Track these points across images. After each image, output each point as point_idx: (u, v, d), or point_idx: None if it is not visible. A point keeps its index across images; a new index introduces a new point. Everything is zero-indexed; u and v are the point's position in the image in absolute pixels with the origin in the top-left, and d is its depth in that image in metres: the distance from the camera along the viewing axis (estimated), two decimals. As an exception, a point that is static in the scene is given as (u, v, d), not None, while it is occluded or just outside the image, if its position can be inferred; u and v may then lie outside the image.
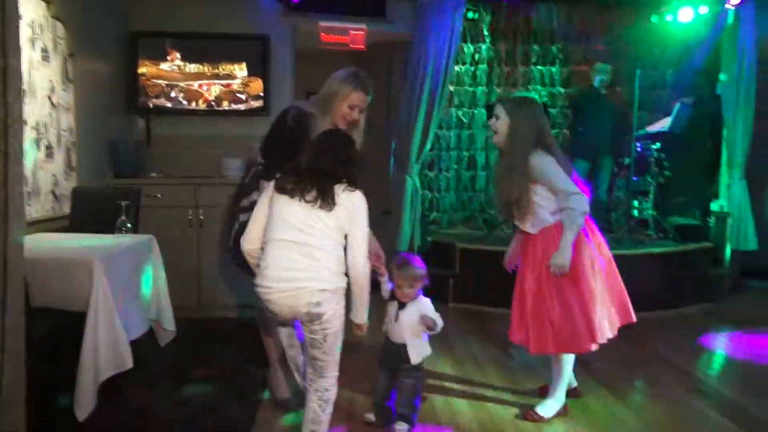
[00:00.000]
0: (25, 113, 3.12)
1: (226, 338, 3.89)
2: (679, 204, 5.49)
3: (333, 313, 2.05)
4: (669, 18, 5.23)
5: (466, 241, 4.99)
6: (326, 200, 2.05)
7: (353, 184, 2.11)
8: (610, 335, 2.66)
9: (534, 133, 2.60)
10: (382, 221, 5.19)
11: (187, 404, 2.88)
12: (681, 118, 4.96)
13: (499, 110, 2.68)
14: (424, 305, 2.54)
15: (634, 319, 2.78)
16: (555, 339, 2.60)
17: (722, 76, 5.09)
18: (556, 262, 2.54)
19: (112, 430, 2.61)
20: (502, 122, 2.66)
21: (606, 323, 2.64)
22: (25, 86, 3.13)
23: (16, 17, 1.75)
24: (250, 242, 2.21)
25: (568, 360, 2.72)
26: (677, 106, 4.99)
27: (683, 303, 4.73)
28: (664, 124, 5.06)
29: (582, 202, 2.54)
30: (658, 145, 5.05)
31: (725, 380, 3.36)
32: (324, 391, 2.14)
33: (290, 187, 2.09)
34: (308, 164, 2.14)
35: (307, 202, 2.06)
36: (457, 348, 3.79)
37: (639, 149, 5.20)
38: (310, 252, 2.03)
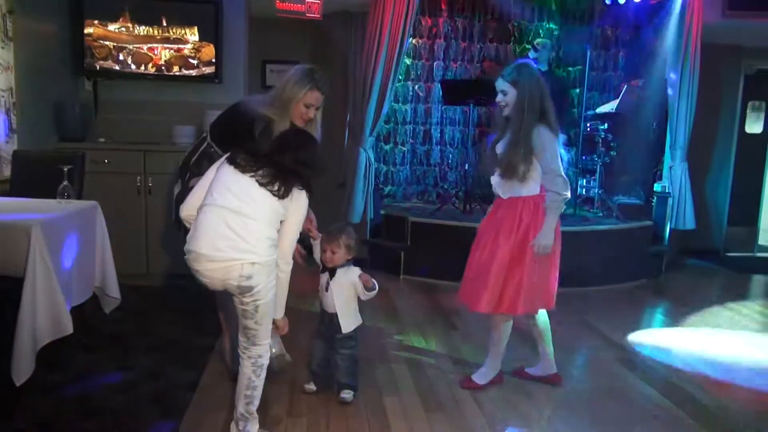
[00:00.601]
0: (-41, 71, 3.01)
1: (172, 306, 3.88)
2: (624, 183, 5.68)
3: (264, 285, 2.07)
4: (621, 1, 5.33)
5: (418, 215, 5.07)
6: (284, 194, 2.09)
7: (308, 187, 2.17)
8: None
9: (539, 102, 2.62)
10: (335, 193, 5.22)
11: (129, 370, 2.89)
12: (628, 100, 5.10)
13: (504, 85, 2.68)
14: (354, 272, 2.61)
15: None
16: (526, 299, 2.68)
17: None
18: (540, 242, 2.62)
19: (50, 394, 2.60)
20: (510, 96, 2.66)
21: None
22: (-42, 43, 3.01)
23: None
24: (189, 208, 2.20)
25: (508, 330, 2.83)
26: (624, 87, 5.13)
27: (623, 279, 4.94)
28: (612, 105, 5.20)
29: (567, 187, 2.63)
30: (605, 125, 5.20)
31: (659, 355, 3.52)
32: (257, 357, 2.18)
33: (243, 163, 2.10)
34: (270, 153, 2.14)
35: (260, 183, 2.07)
36: (403, 318, 3.88)
37: (588, 129, 5.35)
38: (245, 222, 2.04)
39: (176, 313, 3.74)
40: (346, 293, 2.60)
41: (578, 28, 5.82)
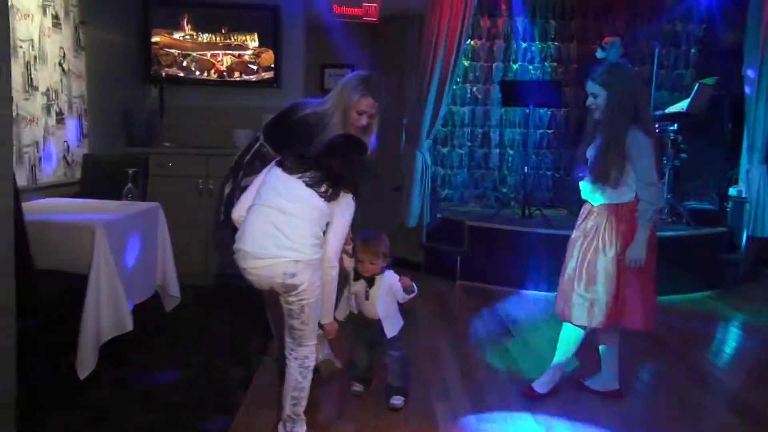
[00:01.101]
0: (35, 79, 3.19)
1: (231, 305, 3.96)
2: (695, 188, 5.37)
3: (309, 284, 2.06)
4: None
5: (475, 219, 4.98)
6: (331, 197, 2.12)
7: (355, 191, 2.19)
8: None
9: (631, 104, 2.48)
10: (392, 197, 5.21)
11: (186, 367, 2.96)
12: (700, 98, 4.82)
13: (593, 87, 2.55)
14: (393, 277, 2.57)
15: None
16: (636, 314, 2.59)
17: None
18: (632, 256, 2.50)
19: (111, 388, 2.69)
20: (601, 99, 2.53)
21: None
22: (35, 53, 3.19)
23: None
24: (240, 210, 2.24)
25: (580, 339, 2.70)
26: (696, 86, 4.85)
27: (694, 288, 4.66)
28: (682, 105, 4.93)
29: (660, 197, 2.52)
30: (675, 126, 4.94)
31: (733, 372, 3.30)
32: (304, 358, 2.18)
33: (291, 165, 2.13)
34: (318, 157, 2.17)
35: (307, 185, 2.09)
36: (458, 324, 3.81)
37: (657, 130, 5.09)
38: (289, 220, 2.06)
39: (233, 313, 3.81)
40: (386, 299, 2.57)
41: (646, 25, 5.57)
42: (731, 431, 2.57)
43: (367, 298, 2.58)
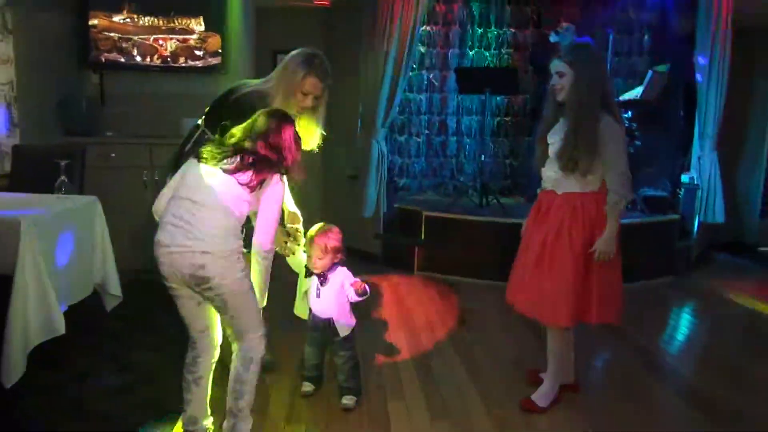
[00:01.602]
0: (-46, 64, 2.95)
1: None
2: (649, 175, 5.42)
3: (221, 278, 1.95)
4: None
5: (432, 208, 4.90)
6: (256, 185, 2.00)
7: (283, 174, 2.07)
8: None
9: (600, 87, 2.36)
10: (348, 186, 5.09)
11: (126, 371, 2.80)
12: (653, 85, 4.85)
13: (560, 66, 2.39)
14: (345, 275, 2.46)
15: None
16: (600, 307, 2.44)
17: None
18: (603, 249, 2.37)
19: (43, 396, 2.52)
20: (567, 78, 2.37)
21: None
22: (-47, 35, 2.94)
23: None
24: (159, 204, 2.13)
25: (570, 338, 2.61)
26: (649, 73, 4.87)
27: (648, 275, 4.70)
28: (636, 92, 4.95)
29: (630, 188, 2.38)
30: (629, 113, 4.95)
31: (685, 359, 3.33)
32: (246, 351, 2.08)
33: (207, 156, 2.02)
34: (238, 141, 2.04)
35: (225, 171, 1.98)
36: (414, 317, 3.73)
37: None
38: (198, 211, 1.95)
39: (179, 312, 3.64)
40: (338, 297, 2.46)
41: (601, 11, 5.56)
42: (683, 419, 2.57)
43: (318, 296, 2.47)
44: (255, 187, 1.98)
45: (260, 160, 2.00)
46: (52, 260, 2.61)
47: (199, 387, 2.20)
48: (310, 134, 2.52)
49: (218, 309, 2.06)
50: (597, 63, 2.42)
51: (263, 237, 2.05)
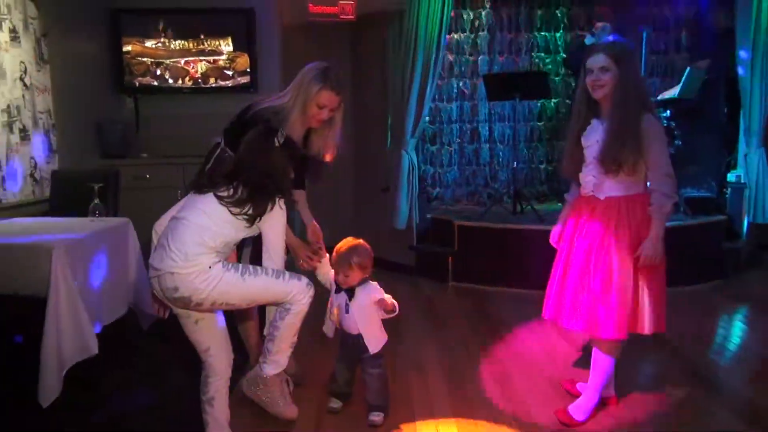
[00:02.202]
0: (-7, 96, 3.08)
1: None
2: (692, 175, 5.21)
3: (199, 291, 1.94)
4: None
5: (465, 218, 4.83)
6: (258, 214, 2.02)
7: (283, 196, 2.07)
8: None
9: (642, 85, 2.31)
10: (379, 198, 5.07)
11: (159, 388, 2.84)
12: (691, 83, 4.66)
13: (605, 61, 2.24)
14: (374, 290, 2.42)
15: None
16: (652, 317, 2.32)
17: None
18: (648, 253, 2.23)
19: (78, 415, 2.57)
20: (610, 75, 2.24)
21: None
22: (-8, 68, 3.08)
23: None
24: (159, 223, 2.16)
25: (618, 351, 2.44)
26: (687, 70, 4.69)
27: (694, 280, 4.50)
28: (674, 91, 4.77)
29: (675, 188, 2.27)
30: (667, 113, 4.77)
31: (736, 370, 3.14)
32: (285, 306, 2.15)
33: (201, 184, 2.07)
34: (229, 175, 2.05)
35: (223, 203, 1.99)
36: (447, 329, 3.66)
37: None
38: (175, 227, 1.97)
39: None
40: (368, 312, 2.42)
41: (634, 10, 5.41)
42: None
43: (347, 311, 2.44)
44: (254, 220, 1.98)
45: (257, 190, 1.99)
46: (85, 282, 2.68)
47: (213, 408, 2.20)
48: (328, 146, 2.52)
49: (232, 310, 2.10)
50: (637, 61, 2.37)
51: (276, 258, 2.10)
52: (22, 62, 3.34)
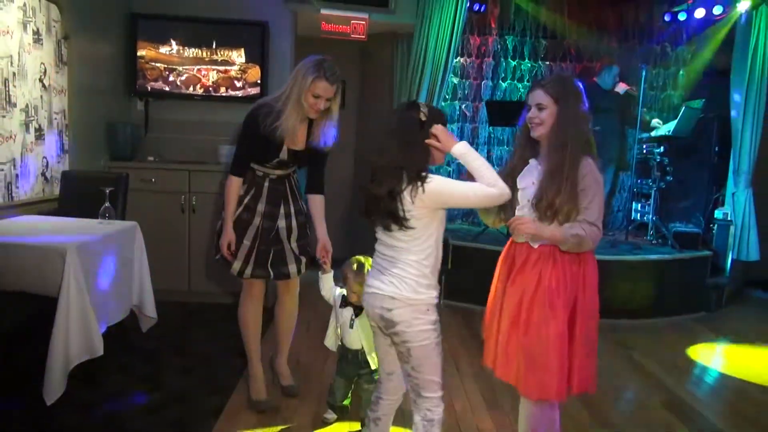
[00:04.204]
0: (14, 96, 3.16)
1: (211, 324, 3.93)
2: (681, 210, 5.37)
3: (407, 326, 1.92)
4: (682, 17, 5.08)
5: (459, 238, 4.95)
6: (407, 220, 1.93)
7: (420, 177, 1.91)
8: None
9: (585, 126, 2.09)
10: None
11: (158, 390, 2.92)
12: (686, 121, 4.83)
13: (542, 97, 2.07)
14: None
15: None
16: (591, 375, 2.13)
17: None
18: (527, 229, 2.01)
19: (80, 413, 2.65)
20: (548, 113, 2.06)
21: None
22: (14, 69, 3.16)
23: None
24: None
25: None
26: (683, 109, 4.85)
27: (678, 311, 4.65)
28: (668, 128, 4.94)
29: (597, 239, 2.03)
30: (661, 148, 4.94)
31: (711, 401, 3.28)
32: (426, 411, 2.00)
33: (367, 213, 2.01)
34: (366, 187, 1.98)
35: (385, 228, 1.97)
36: (438, 347, 3.77)
37: (645, 151, 5.10)
38: (393, 255, 1.96)
39: (212, 332, 3.78)
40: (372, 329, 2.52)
41: (637, 46, 5.58)
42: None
43: (352, 326, 2.54)
44: (407, 224, 1.92)
45: (388, 196, 1.92)
46: (94, 284, 2.76)
47: (377, 427, 2.18)
48: (327, 134, 2.64)
49: (401, 357, 2.01)
50: (582, 100, 2.12)
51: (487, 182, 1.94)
52: (42, 63, 3.43)
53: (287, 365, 3.00)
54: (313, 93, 2.49)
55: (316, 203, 2.79)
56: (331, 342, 2.70)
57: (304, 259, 2.79)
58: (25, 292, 2.59)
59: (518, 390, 2.13)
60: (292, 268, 2.75)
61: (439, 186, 1.88)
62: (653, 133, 5.06)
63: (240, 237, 2.68)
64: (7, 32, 3.09)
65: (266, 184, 2.71)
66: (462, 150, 1.93)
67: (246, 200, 2.70)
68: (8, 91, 3.12)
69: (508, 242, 2.23)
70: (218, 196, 3.92)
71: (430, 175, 1.89)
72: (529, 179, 2.12)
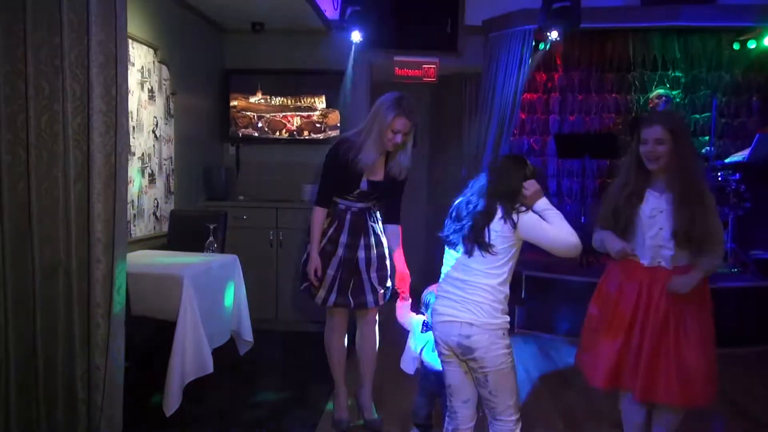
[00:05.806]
0: (133, 146, 3.63)
1: (298, 350, 4.21)
2: (762, 237, 5.25)
3: (486, 351, 2.02)
4: (751, 45, 5.09)
5: (532, 268, 5.06)
6: (488, 245, 2.13)
7: (512, 209, 2.14)
8: None
9: (699, 161, 2.39)
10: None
11: (257, 408, 3.20)
12: (761, 149, 4.79)
13: (661, 132, 2.23)
14: None
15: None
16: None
17: None
18: (679, 281, 2.24)
19: (192, 425, 2.95)
20: (667, 147, 2.23)
21: None
22: (134, 123, 3.64)
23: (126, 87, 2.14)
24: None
25: None
26: (757, 136, 4.82)
27: (761, 341, 4.53)
28: (743, 155, 4.90)
29: (721, 255, 2.31)
30: (737, 176, 4.90)
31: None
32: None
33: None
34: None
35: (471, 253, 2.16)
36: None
37: (720, 179, 5.07)
38: (468, 281, 2.10)
39: (302, 357, 4.05)
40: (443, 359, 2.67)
41: (706, 74, 5.60)
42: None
43: (434, 349, 2.71)
44: (490, 249, 2.11)
45: (477, 228, 2.14)
46: (203, 309, 3.10)
47: None
48: (402, 166, 2.81)
49: (478, 382, 2.10)
50: (690, 133, 2.42)
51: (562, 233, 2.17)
52: (155, 117, 3.91)
53: (371, 398, 3.03)
54: (392, 129, 2.66)
55: (394, 233, 2.93)
56: (408, 365, 2.85)
57: (381, 290, 2.89)
58: (146, 316, 2.95)
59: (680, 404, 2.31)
60: (370, 297, 2.86)
61: (532, 220, 2.09)
62: (728, 160, 5.04)
63: (324, 267, 2.84)
64: (130, 92, 3.58)
65: (348, 216, 2.85)
66: (542, 206, 2.14)
67: (330, 232, 2.86)
68: (129, 143, 3.58)
69: (628, 265, 2.40)
70: (303, 231, 4.22)
71: (527, 210, 2.10)
72: (657, 208, 2.30)
